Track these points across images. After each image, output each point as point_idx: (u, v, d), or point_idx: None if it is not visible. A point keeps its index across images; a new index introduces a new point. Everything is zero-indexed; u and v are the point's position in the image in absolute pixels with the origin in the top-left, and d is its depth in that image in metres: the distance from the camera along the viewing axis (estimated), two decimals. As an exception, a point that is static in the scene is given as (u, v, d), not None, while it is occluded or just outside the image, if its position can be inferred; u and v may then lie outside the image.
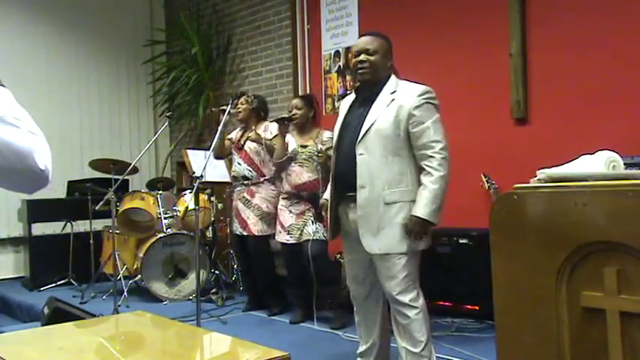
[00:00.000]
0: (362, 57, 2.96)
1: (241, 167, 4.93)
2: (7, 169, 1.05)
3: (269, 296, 4.99)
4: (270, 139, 4.71)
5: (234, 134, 5.15)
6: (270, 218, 4.83)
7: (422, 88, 2.91)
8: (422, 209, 2.78)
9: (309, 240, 4.42)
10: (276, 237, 4.67)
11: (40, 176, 1.08)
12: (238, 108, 4.98)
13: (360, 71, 2.97)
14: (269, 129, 4.83)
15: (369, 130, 2.87)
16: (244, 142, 4.95)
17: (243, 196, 4.91)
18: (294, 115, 4.43)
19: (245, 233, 4.90)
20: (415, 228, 2.79)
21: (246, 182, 4.91)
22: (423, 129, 2.83)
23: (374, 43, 2.98)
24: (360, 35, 3.16)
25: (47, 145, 1.11)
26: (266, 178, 4.87)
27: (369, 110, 2.92)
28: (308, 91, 5.99)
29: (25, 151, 1.05)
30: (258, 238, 4.86)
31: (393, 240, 2.84)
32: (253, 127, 4.93)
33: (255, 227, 4.83)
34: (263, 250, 4.89)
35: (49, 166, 1.09)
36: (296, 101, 4.57)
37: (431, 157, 2.81)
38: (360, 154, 2.87)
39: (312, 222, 4.44)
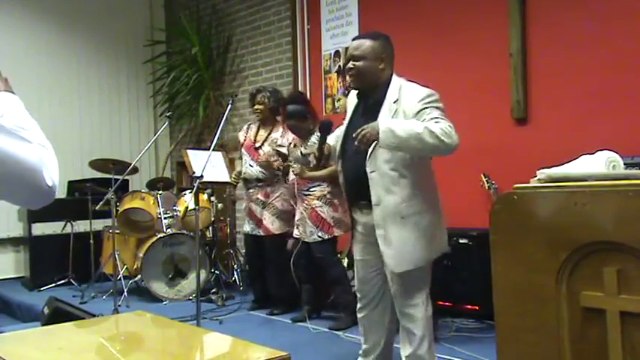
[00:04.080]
0: (350, 64, 2.90)
1: (254, 169, 4.89)
2: (15, 184, 1.03)
3: (278, 296, 4.95)
4: (288, 146, 4.76)
5: (243, 134, 5.10)
6: (287, 216, 4.82)
7: (424, 92, 2.81)
8: (387, 121, 2.66)
9: (307, 242, 4.46)
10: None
11: (47, 193, 1.06)
12: (256, 108, 4.95)
13: (349, 79, 2.95)
14: (286, 135, 4.79)
15: (377, 146, 2.76)
16: (261, 144, 4.89)
17: (258, 198, 4.89)
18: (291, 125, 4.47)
19: (261, 232, 4.88)
20: (366, 129, 2.64)
21: (259, 184, 4.89)
22: (425, 119, 2.71)
23: (360, 47, 2.90)
24: (353, 38, 3.06)
25: (55, 158, 1.09)
26: (279, 177, 4.87)
27: None
28: (308, 92, 5.99)
29: (34, 168, 1.03)
30: (274, 237, 4.85)
31: (413, 256, 2.82)
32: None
33: (273, 226, 4.83)
34: (279, 249, 4.86)
35: (56, 182, 1.07)
36: (292, 107, 4.47)
37: (436, 122, 2.67)
38: (371, 172, 2.82)
39: (308, 224, 4.45)
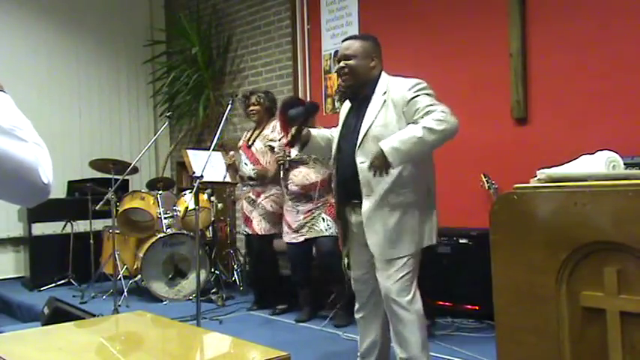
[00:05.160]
0: (341, 64, 2.95)
1: (247, 168, 4.94)
2: (12, 182, 1.05)
3: (272, 295, 4.99)
4: (279, 139, 4.76)
5: (243, 138, 5.16)
6: (275, 218, 4.83)
7: (411, 81, 2.85)
8: (387, 143, 2.67)
9: (320, 237, 4.45)
10: (283, 237, 4.67)
11: (42, 190, 1.09)
12: (252, 109, 4.99)
13: (342, 78, 2.98)
14: (277, 129, 4.84)
15: (366, 136, 2.83)
16: (253, 142, 4.95)
17: (249, 196, 4.93)
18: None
19: (250, 232, 4.92)
20: (375, 161, 2.68)
21: (252, 183, 4.92)
22: (418, 108, 2.75)
23: (351, 47, 2.95)
24: (342, 40, 3.10)
25: (49, 157, 1.11)
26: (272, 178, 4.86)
27: (363, 116, 2.89)
28: (308, 91, 5.99)
29: (30, 166, 1.06)
30: (261, 238, 4.87)
31: (401, 244, 2.83)
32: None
33: (259, 226, 4.85)
34: (266, 249, 4.91)
35: (51, 180, 1.10)
36: (293, 112, 4.47)
37: (428, 113, 2.70)
38: (361, 162, 2.83)
39: (323, 219, 4.46)
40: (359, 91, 2.97)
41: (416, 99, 2.78)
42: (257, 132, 5.01)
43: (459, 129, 2.73)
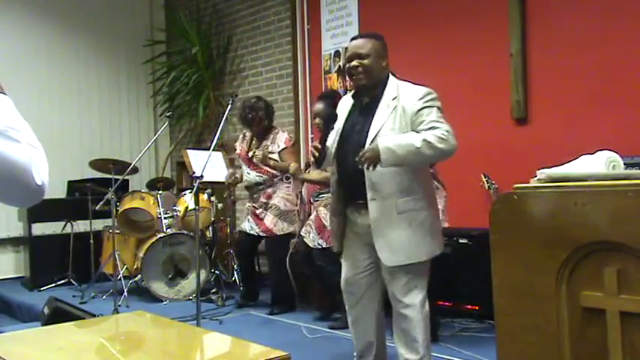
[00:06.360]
0: (355, 62, 2.88)
1: (251, 175, 4.92)
2: (5, 183, 1.05)
3: (278, 296, 4.96)
4: (279, 152, 4.75)
5: (239, 144, 5.11)
6: (290, 215, 4.83)
7: (423, 90, 2.84)
8: (384, 141, 2.69)
9: (313, 249, 4.45)
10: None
11: (35, 191, 1.09)
12: (248, 121, 4.91)
13: (354, 77, 2.91)
14: (277, 141, 4.82)
15: (375, 139, 2.79)
16: (252, 154, 4.91)
17: (261, 201, 4.89)
18: (317, 124, 4.32)
19: (260, 232, 4.86)
20: (367, 153, 2.69)
21: (260, 187, 4.90)
22: (424, 120, 2.76)
23: (366, 46, 2.90)
24: (352, 38, 3.06)
25: (45, 159, 1.11)
26: (279, 177, 4.84)
27: (372, 119, 2.86)
28: (308, 92, 5.99)
29: (23, 167, 1.06)
30: (279, 238, 4.84)
31: (410, 251, 2.82)
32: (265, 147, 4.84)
33: (275, 227, 4.81)
34: (282, 249, 4.85)
35: (45, 181, 1.10)
36: (319, 107, 4.33)
37: (432, 128, 2.71)
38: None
39: (312, 230, 4.45)
40: (369, 91, 2.94)
41: (424, 110, 2.78)
42: (256, 142, 4.96)
43: (455, 151, 2.74)
